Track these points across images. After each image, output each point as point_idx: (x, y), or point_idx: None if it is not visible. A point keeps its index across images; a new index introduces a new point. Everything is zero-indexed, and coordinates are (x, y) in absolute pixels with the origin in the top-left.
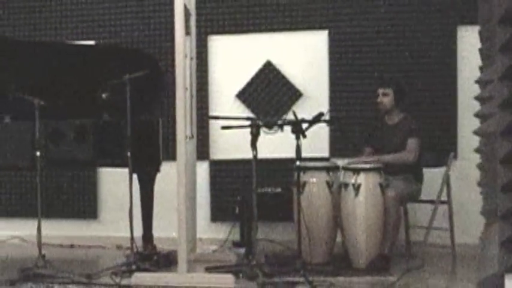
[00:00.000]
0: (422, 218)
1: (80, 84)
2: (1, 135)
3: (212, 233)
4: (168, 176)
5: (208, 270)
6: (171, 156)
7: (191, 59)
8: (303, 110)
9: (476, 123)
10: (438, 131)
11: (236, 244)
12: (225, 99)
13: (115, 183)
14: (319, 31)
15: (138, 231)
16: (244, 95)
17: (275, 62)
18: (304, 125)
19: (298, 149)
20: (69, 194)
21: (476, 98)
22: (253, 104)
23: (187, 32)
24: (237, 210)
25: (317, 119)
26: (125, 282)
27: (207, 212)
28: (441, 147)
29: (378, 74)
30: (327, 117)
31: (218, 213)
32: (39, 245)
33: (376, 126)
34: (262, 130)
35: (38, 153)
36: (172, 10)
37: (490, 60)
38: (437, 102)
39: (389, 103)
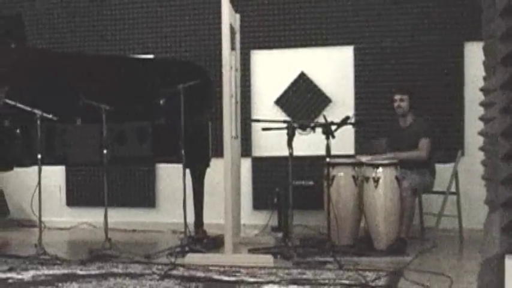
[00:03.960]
0: (434, 206)
1: (141, 91)
2: (73, 135)
3: (254, 220)
4: (216, 171)
5: (251, 251)
6: (219, 153)
7: (236, 70)
8: (332, 114)
9: (480, 125)
10: (448, 132)
11: (275, 229)
12: (265, 105)
13: (171, 177)
14: (346, 46)
15: (191, 218)
16: (282, 101)
17: (308, 73)
18: (333, 127)
19: (328, 148)
20: (131, 186)
21: (481, 104)
22: (289, 109)
23: (233, 47)
24: (275, 200)
25: (344, 121)
26: (179, 261)
27: (250, 201)
28: (450, 146)
29: (396, 83)
30: (352, 120)
31: (259, 203)
32: (106, 230)
33: (393, 128)
34: (297, 131)
35: (105, 151)
36: (220, 29)
37: (492, 71)
38: (447, 108)
39: (406, 107)
